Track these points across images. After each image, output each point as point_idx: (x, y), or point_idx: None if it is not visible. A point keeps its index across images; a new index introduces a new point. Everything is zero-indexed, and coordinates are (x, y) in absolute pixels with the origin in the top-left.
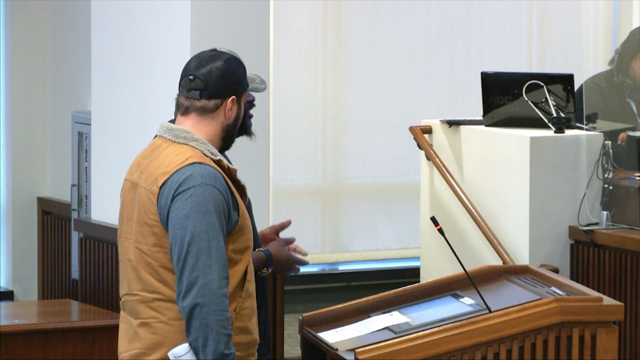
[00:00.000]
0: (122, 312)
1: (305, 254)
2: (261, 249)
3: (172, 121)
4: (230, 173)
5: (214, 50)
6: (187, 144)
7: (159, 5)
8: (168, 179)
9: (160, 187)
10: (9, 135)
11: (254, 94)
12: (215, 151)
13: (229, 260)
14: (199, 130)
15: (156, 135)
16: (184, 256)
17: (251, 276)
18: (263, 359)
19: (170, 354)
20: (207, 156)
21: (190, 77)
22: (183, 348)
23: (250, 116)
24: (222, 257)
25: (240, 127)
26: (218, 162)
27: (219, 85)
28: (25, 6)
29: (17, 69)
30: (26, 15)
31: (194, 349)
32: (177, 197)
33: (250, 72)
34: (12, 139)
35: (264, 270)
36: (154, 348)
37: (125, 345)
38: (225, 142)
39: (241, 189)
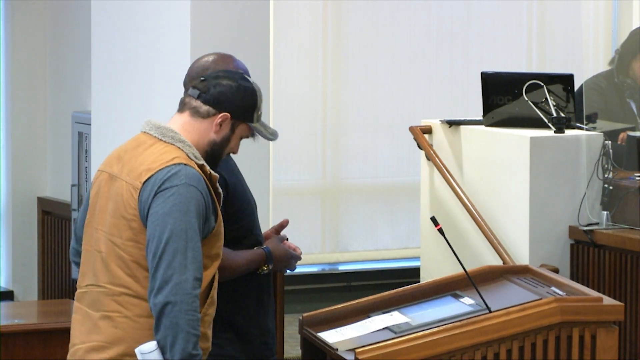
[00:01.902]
0: (76, 304)
1: (297, 251)
2: (260, 247)
3: None
4: (211, 179)
5: (242, 73)
6: (174, 144)
7: (159, 6)
8: (152, 175)
9: (144, 183)
10: (9, 135)
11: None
12: (199, 156)
13: None
14: (187, 132)
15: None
16: (161, 253)
17: (217, 284)
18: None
19: (137, 350)
20: (191, 159)
21: (202, 78)
22: (150, 345)
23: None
24: (198, 259)
25: None
26: (201, 167)
27: (219, 97)
28: (25, 6)
29: (17, 69)
30: (26, 15)
31: (162, 347)
32: (159, 194)
33: (271, 127)
34: (12, 139)
35: (264, 268)
36: (113, 342)
37: (81, 337)
38: (207, 158)
39: (218, 196)
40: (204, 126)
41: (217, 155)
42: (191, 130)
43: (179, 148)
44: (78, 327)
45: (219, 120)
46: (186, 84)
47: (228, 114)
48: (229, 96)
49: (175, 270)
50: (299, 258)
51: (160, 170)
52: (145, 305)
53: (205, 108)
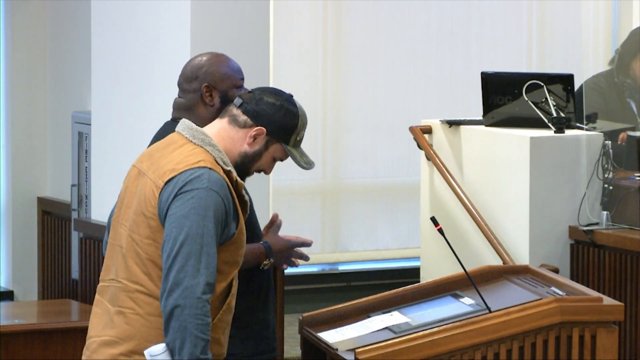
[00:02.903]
0: (97, 297)
1: (309, 243)
2: (260, 242)
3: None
4: (237, 186)
5: (291, 95)
6: (203, 147)
7: (159, 6)
8: (175, 176)
9: (166, 183)
10: (9, 135)
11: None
12: (228, 161)
13: (218, 271)
14: (221, 138)
15: (161, 136)
16: (174, 255)
17: (235, 290)
18: (270, 355)
19: (146, 352)
20: (218, 164)
21: (250, 90)
22: (159, 348)
23: None
24: (212, 264)
25: None
26: (228, 173)
27: (259, 110)
28: (25, 6)
29: (17, 69)
30: (26, 15)
31: (171, 350)
32: (179, 196)
33: (310, 155)
34: (12, 139)
35: (266, 262)
36: (124, 338)
37: (97, 330)
38: (236, 169)
39: (244, 204)
40: (239, 136)
41: (246, 168)
42: (225, 137)
43: (207, 151)
44: (96, 320)
45: (253, 133)
46: (180, 84)
47: (264, 129)
48: (268, 112)
49: (187, 274)
50: (305, 243)
51: (183, 171)
52: (157, 305)
53: (243, 118)
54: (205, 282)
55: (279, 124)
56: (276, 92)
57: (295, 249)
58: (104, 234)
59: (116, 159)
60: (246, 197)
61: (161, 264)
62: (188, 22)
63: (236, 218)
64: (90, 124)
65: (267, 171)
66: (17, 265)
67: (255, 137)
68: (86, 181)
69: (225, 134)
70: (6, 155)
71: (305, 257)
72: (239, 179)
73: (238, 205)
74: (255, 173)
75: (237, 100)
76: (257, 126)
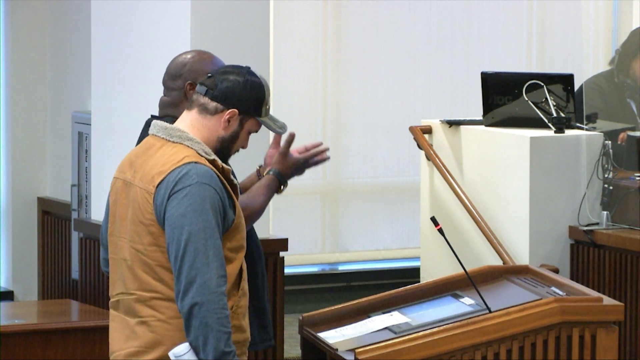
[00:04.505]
0: (112, 312)
1: (322, 148)
2: (268, 170)
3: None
4: (224, 172)
5: (248, 67)
6: (182, 143)
7: (159, 5)
8: (164, 178)
9: (157, 187)
10: (9, 135)
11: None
12: (210, 151)
13: (225, 259)
14: (195, 129)
15: (148, 134)
16: (181, 255)
17: (246, 274)
18: (269, 344)
19: (170, 354)
20: (201, 156)
21: (210, 74)
22: (183, 347)
23: None
24: (220, 256)
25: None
26: (212, 162)
27: (227, 93)
28: (25, 6)
29: (17, 69)
30: (26, 15)
31: (195, 348)
32: (173, 196)
33: (280, 120)
34: (12, 139)
35: (281, 189)
36: (152, 347)
37: (120, 344)
38: (217, 154)
39: (234, 188)
40: (213, 123)
41: (226, 151)
42: (200, 128)
43: (188, 146)
44: (116, 335)
45: (227, 117)
46: (165, 82)
47: (236, 110)
48: (236, 92)
49: (198, 271)
50: (309, 157)
51: (171, 172)
52: (176, 307)
53: (213, 105)
54: (217, 274)
55: (249, 100)
56: (235, 69)
57: (309, 161)
58: (101, 252)
59: (116, 159)
60: (235, 181)
61: (171, 267)
62: (188, 22)
63: (232, 204)
64: (90, 124)
65: (245, 146)
66: (17, 265)
67: (229, 120)
68: (86, 181)
69: (199, 124)
70: (6, 155)
71: (323, 160)
72: (224, 165)
73: (231, 191)
74: (235, 153)
75: (201, 89)
76: (229, 109)
